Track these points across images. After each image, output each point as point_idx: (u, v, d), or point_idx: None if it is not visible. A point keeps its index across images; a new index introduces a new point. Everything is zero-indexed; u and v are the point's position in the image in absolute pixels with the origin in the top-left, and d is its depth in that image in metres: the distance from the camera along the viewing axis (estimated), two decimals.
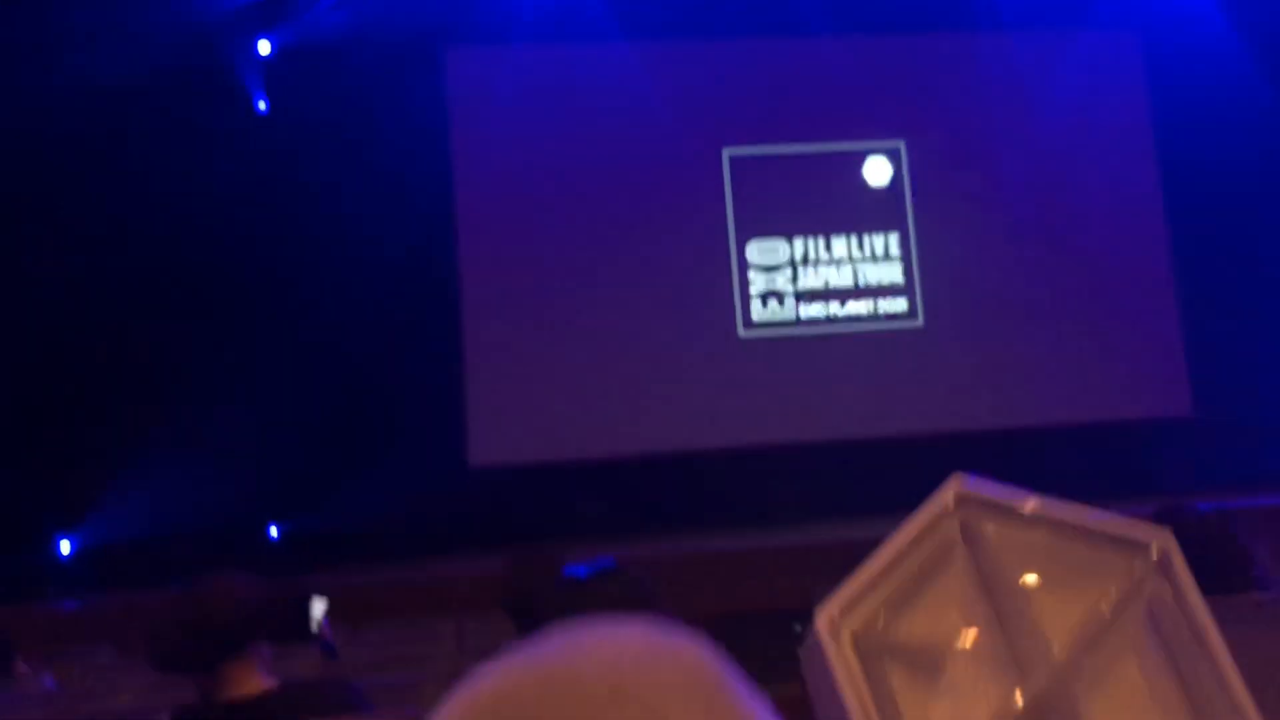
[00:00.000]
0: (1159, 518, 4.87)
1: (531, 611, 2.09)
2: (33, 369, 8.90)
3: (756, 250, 10.46)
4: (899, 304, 10.47)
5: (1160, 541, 0.46)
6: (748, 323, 10.37)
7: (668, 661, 0.35)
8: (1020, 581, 0.44)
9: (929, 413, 9.88)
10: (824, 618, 0.44)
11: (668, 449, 9.56)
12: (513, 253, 10.07)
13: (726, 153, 10.51)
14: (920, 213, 10.55)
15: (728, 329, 10.31)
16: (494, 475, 9.45)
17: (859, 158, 10.62)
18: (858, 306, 10.44)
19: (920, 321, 10.44)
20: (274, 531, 9.38)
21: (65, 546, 8.94)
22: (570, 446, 9.61)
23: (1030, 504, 0.47)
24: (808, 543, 7.56)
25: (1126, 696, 0.42)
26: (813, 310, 10.41)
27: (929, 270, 10.46)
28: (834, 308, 10.41)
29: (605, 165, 10.28)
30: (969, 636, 0.43)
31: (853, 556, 0.58)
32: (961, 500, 0.47)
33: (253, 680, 2.48)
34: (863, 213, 10.54)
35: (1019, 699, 0.41)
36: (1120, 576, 0.45)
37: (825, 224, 10.47)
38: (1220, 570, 3.45)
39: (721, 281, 10.39)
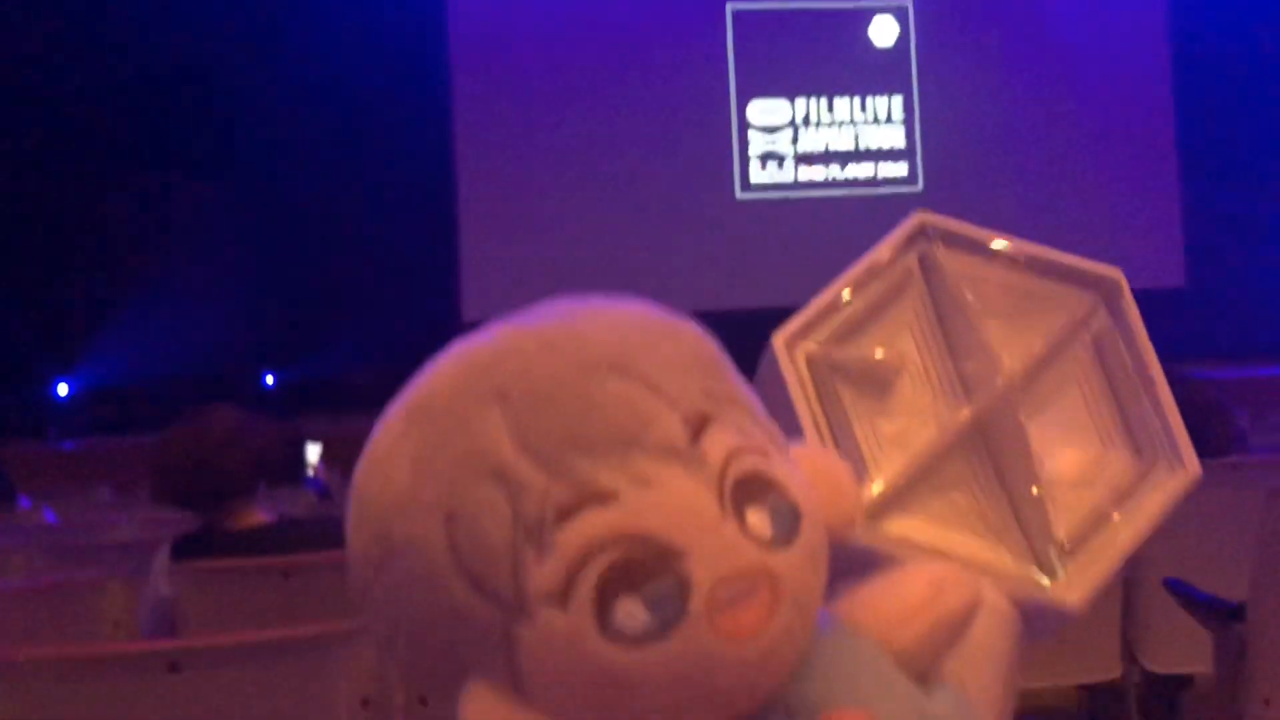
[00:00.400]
0: None
1: None
2: (30, 212, 8.84)
3: (758, 110, 10.29)
4: (899, 169, 10.37)
5: (1111, 277, 0.48)
6: (745, 185, 10.27)
7: (668, 338, 0.36)
8: (973, 310, 0.47)
9: None
10: (780, 337, 0.46)
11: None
12: (508, 108, 9.89)
13: (730, 6, 10.25)
14: (925, 75, 10.35)
15: (725, 190, 10.22)
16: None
17: (865, 16, 10.37)
18: (857, 170, 10.34)
19: (920, 187, 10.35)
20: (270, 379, 9.46)
21: (63, 389, 9.02)
22: None
23: (990, 237, 0.49)
24: None
25: (1067, 422, 0.45)
26: (812, 173, 10.30)
27: (931, 135, 10.33)
28: (833, 171, 10.31)
29: (605, 14, 10.03)
30: (920, 360, 0.46)
31: None
32: (923, 231, 0.49)
33: (251, 514, 2.54)
34: (867, 74, 10.35)
35: (963, 418, 0.44)
36: (1071, 309, 0.47)
37: (828, 84, 10.28)
38: (1202, 434, 3.54)
39: (721, 142, 10.25)
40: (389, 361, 9.27)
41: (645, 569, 0.30)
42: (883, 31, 10.39)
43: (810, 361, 0.46)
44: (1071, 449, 0.45)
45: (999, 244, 0.49)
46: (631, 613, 0.30)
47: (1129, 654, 3.41)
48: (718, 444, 0.33)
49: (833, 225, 10.09)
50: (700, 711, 0.31)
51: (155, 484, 2.52)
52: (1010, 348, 0.46)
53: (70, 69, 8.81)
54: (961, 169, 10.22)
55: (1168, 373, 2.53)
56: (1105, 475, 0.45)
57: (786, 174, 10.28)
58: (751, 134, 10.28)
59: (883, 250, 0.49)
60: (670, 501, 0.31)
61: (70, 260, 9.00)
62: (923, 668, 0.35)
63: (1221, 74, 10.11)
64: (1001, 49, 10.28)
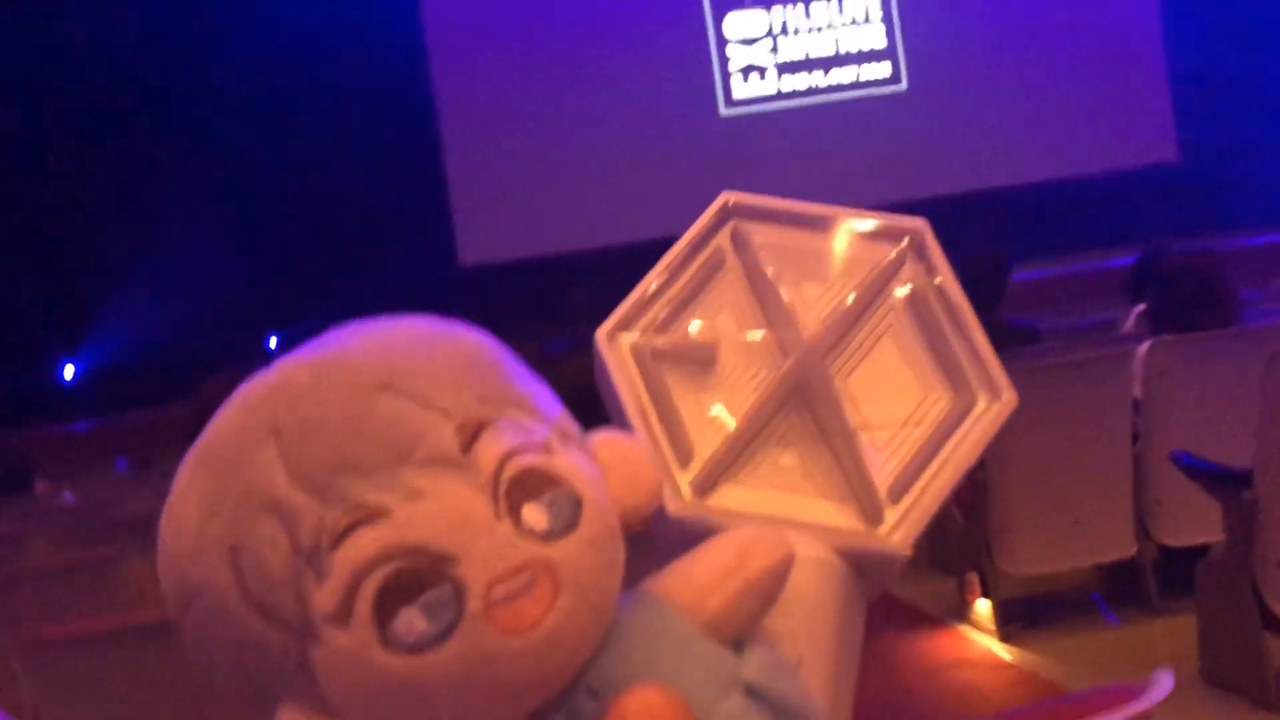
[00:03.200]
0: (1143, 261, 4.93)
1: None
2: (22, 193, 8.83)
3: (735, 23, 10.14)
4: (882, 69, 10.22)
5: (915, 227, 0.49)
6: (729, 100, 10.16)
7: (442, 351, 0.36)
8: (784, 278, 0.48)
9: (917, 177, 9.74)
10: (602, 332, 0.48)
11: (654, 235, 9.45)
12: (484, 44, 9.76)
13: None
14: None
15: (710, 108, 10.11)
16: (484, 272, 9.47)
17: None
18: (840, 75, 10.20)
19: (904, 85, 10.22)
20: (274, 342, 9.46)
21: (69, 371, 9.06)
22: (557, 239, 9.55)
23: (795, 206, 0.51)
24: None
25: (886, 372, 0.46)
26: (795, 82, 10.17)
27: (911, 32, 10.17)
28: (816, 78, 10.17)
29: None
30: (738, 333, 0.47)
31: None
32: (731, 210, 0.51)
33: None
34: None
35: (776, 380, 0.45)
36: (878, 263, 0.48)
37: None
38: (1206, 305, 3.52)
39: (700, 59, 10.11)
40: (390, 311, 9.36)
41: (421, 579, 0.31)
42: None
43: (634, 351, 0.48)
44: (892, 396, 0.47)
45: (802, 211, 0.51)
46: (410, 622, 0.31)
47: (1142, 530, 3.46)
48: (491, 448, 0.34)
49: (821, 132, 9.98)
50: (494, 707, 0.32)
51: (195, 425, 2.60)
52: (821, 309, 0.48)
53: (58, 50, 8.76)
54: (945, 64, 10.07)
55: (1163, 249, 2.57)
56: (928, 417, 0.46)
57: (769, 85, 10.17)
58: (730, 48, 10.15)
59: (694, 233, 0.51)
60: (441, 510, 0.32)
61: (63, 241, 8.99)
62: (738, 630, 0.36)
63: None
64: None
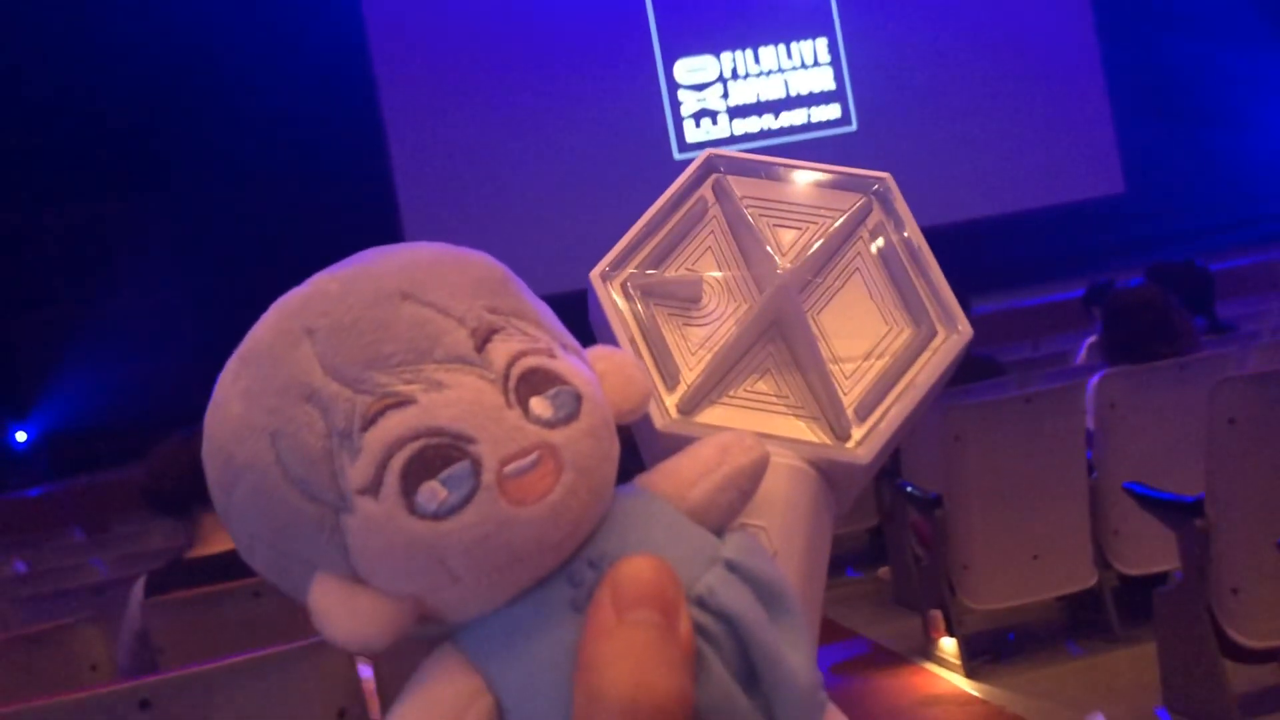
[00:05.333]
0: (1092, 293, 4.98)
1: None
2: None
3: (685, 69, 10.26)
4: (832, 110, 10.38)
5: (882, 178, 0.57)
6: (682, 145, 10.26)
7: (456, 268, 0.41)
8: (762, 224, 0.55)
9: None
10: (596, 272, 0.54)
11: None
12: (436, 101, 9.83)
13: None
14: (846, 14, 10.35)
15: (663, 153, 10.21)
16: None
17: None
18: (791, 117, 10.34)
19: (854, 126, 10.37)
20: None
21: (21, 436, 8.92)
22: None
23: (772, 160, 0.58)
24: None
25: (854, 308, 0.53)
26: (747, 125, 10.30)
27: (859, 74, 10.34)
28: (768, 120, 10.31)
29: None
30: (719, 273, 0.54)
31: None
32: (712, 164, 0.57)
33: (226, 536, 2.55)
34: (788, 20, 10.33)
35: (753, 312, 0.52)
36: (847, 211, 0.55)
37: (752, 36, 10.27)
38: (1154, 336, 3.56)
39: (653, 105, 10.22)
40: None
41: (442, 456, 0.36)
42: None
43: (624, 288, 0.53)
44: (860, 330, 0.52)
45: (777, 165, 0.58)
46: (433, 492, 0.36)
47: (1101, 560, 3.48)
48: (501, 350, 0.39)
49: None
50: (506, 567, 0.37)
51: (148, 487, 2.61)
52: (794, 249, 0.54)
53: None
54: (893, 104, 10.24)
55: (1108, 285, 2.61)
56: (891, 348, 0.52)
57: (721, 129, 10.28)
58: (682, 94, 10.27)
59: (679, 185, 0.57)
60: (460, 398, 0.37)
61: (11, 304, 8.88)
62: (717, 521, 0.41)
63: None
64: None
